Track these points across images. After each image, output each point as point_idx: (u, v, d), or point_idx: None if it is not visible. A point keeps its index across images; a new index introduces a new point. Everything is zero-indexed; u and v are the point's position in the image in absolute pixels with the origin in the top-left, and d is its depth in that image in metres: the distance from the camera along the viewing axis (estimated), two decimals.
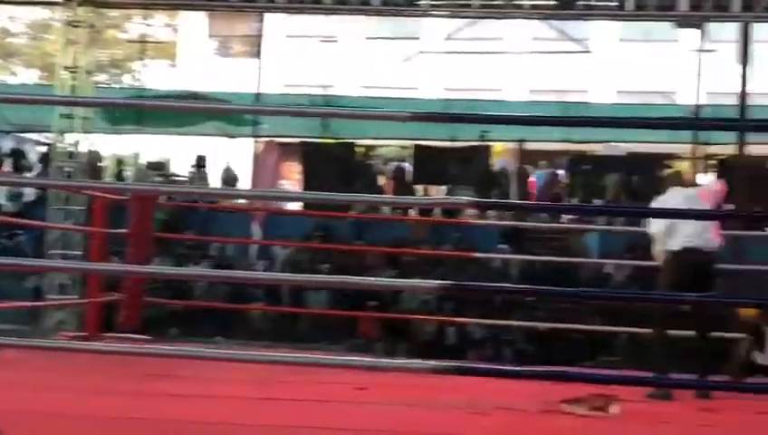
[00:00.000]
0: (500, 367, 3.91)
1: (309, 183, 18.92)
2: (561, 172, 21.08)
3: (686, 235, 5.99)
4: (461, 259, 16.33)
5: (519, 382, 4.79)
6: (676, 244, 6.05)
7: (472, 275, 15.96)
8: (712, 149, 21.09)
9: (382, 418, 4.17)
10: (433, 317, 14.10)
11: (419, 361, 4.71)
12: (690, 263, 5.93)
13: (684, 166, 21.78)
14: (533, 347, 14.62)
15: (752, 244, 13.58)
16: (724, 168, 18.44)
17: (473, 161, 19.54)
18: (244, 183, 20.18)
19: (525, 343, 14.69)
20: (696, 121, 14.55)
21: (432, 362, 3.64)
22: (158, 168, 20.83)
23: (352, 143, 20.62)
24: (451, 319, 13.67)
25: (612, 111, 20.82)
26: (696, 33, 17.76)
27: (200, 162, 19.85)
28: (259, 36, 19.15)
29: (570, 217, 19.64)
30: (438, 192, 19.94)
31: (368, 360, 4.10)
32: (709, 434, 4.30)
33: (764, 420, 4.80)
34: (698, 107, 17.87)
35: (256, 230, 17.14)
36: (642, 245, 15.89)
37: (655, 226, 6.23)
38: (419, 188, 19.99)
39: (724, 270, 14.58)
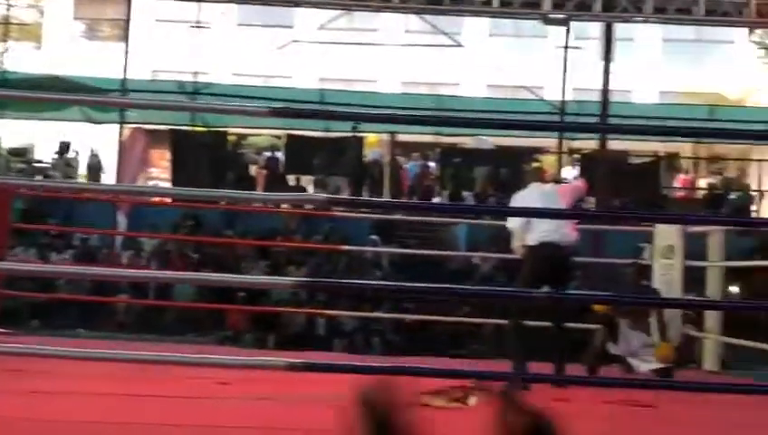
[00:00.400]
0: (350, 363, 3.93)
1: (178, 172, 18.58)
2: (432, 164, 21.38)
3: (543, 230, 6.18)
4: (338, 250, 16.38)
5: (380, 375, 4.85)
6: (532, 239, 6.23)
7: (344, 265, 16.05)
8: (576, 144, 21.80)
9: (243, 414, 4.15)
10: (301, 310, 14.07)
11: (270, 358, 4.70)
12: (547, 257, 6.11)
13: (549, 160, 22.43)
14: (402, 338, 14.79)
15: (610, 238, 14.13)
16: (587, 162, 19.09)
17: (346, 152, 19.60)
18: (110, 170, 19.65)
19: (394, 334, 14.85)
20: (553, 123, 14.95)
21: (283, 360, 3.65)
22: (21, 154, 20.09)
23: (224, 132, 20.36)
24: (319, 311, 13.69)
25: (483, 104, 21.20)
26: (562, 30, 18.26)
27: (64, 149, 19.24)
28: (127, 20, 18.66)
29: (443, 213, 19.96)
30: (310, 181, 19.91)
31: (217, 357, 4.06)
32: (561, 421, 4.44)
33: (611, 409, 4.98)
34: (564, 102, 18.38)
35: (122, 220, 16.74)
36: (506, 237, 16.42)
37: (512, 221, 6.40)
38: (292, 177, 19.93)
39: (581, 263, 15.15)
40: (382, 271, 16.39)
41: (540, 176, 6.62)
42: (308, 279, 4.65)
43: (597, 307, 6.96)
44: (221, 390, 4.85)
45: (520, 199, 6.43)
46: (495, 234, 17.43)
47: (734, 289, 14.41)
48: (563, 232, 6.17)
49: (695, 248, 9.05)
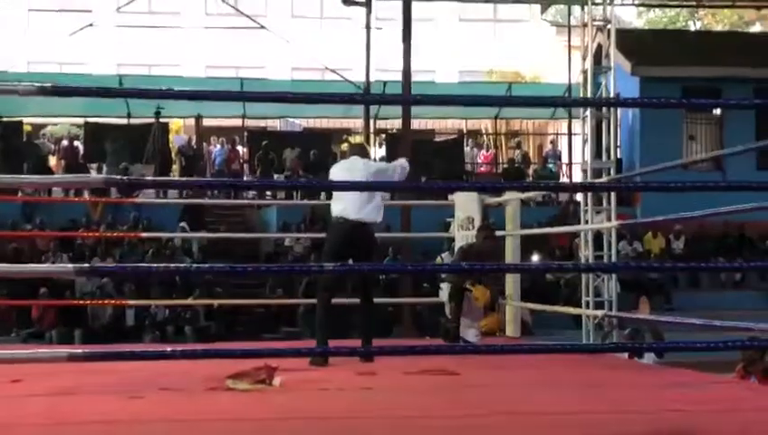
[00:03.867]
0: (133, 350, 3.82)
1: None
2: (240, 148, 21.17)
3: (345, 206, 6.21)
4: (141, 238, 15.95)
5: (189, 361, 4.76)
6: (334, 213, 6.28)
7: (152, 254, 15.66)
8: (382, 125, 22.12)
9: (32, 409, 3.96)
10: (109, 301, 13.62)
11: (45, 350, 4.50)
12: (346, 232, 6.15)
13: (357, 141, 22.64)
14: (216, 324, 14.62)
15: (418, 213, 14.45)
16: (393, 141, 19.42)
17: (148, 138, 19.10)
18: None
19: (207, 321, 14.66)
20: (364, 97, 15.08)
21: (65, 351, 3.51)
22: None
23: (19, 121, 19.42)
24: (124, 302, 13.28)
25: (290, 86, 21.16)
26: (363, 11, 18.42)
27: None
28: None
29: (252, 193, 19.86)
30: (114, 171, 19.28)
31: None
32: (360, 394, 4.50)
33: (410, 379, 5.09)
34: (368, 83, 18.59)
35: None
36: (320, 216, 16.51)
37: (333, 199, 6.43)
38: (94, 167, 19.24)
39: (393, 239, 15.34)
40: (193, 258, 16.13)
41: (363, 150, 6.61)
42: (87, 265, 4.49)
43: (470, 284, 7.10)
44: (12, 387, 4.61)
45: (334, 173, 6.45)
46: (307, 215, 17.63)
47: (535, 257, 15.06)
48: (368, 209, 6.20)
49: (496, 220, 9.41)
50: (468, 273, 6.91)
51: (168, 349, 3.56)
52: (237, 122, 21.76)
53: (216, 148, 20.84)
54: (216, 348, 3.84)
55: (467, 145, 22.42)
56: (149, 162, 18.80)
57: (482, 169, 22.49)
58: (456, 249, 8.07)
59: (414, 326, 13.78)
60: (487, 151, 22.73)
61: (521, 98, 17.02)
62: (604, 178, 8.85)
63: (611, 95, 10.47)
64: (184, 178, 10.22)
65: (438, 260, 10.93)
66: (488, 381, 5.17)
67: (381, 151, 20.73)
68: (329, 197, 6.53)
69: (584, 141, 10.16)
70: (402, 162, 6.51)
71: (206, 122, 21.68)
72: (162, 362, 4.82)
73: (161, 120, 19.47)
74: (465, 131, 23.90)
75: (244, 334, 13.99)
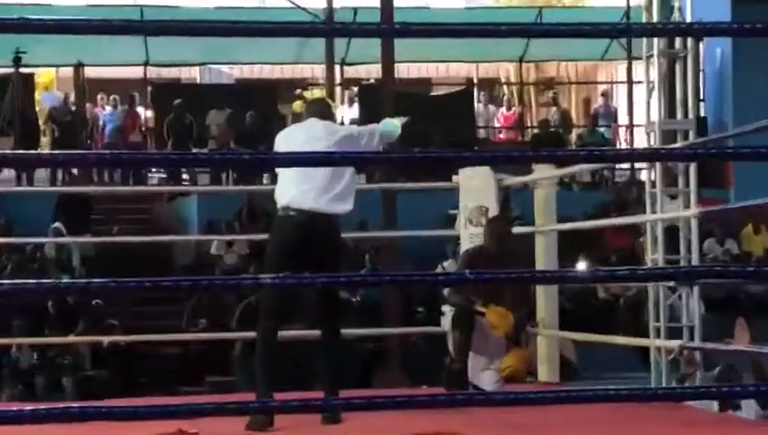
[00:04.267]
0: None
1: None
2: (142, 110, 21.13)
3: (298, 191, 6.20)
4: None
5: (64, 427, 4.75)
6: (281, 202, 6.27)
7: (12, 268, 15.64)
8: (353, 72, 22.11)
9: None
10: None
11: None
12: (300, 229, 6.16)
13: (317, 95, 22.63)
14: (108, 372, 14.62)
15: (409, 203, 14.46)
16: (370, 95, 19.42)
17: (3, 96, 19.03)
18: None
19: (95, 368, 14.64)
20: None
21: None
22: None
23: None
24: None
25: (216, 16, 21.15)
26: None
27: None
28: None
29: (160, 177, 19.85)
30: None
31: None
32: None
33: None
34: (331, 10, 18.66)
35: None
36: (262, 210, 16.50)
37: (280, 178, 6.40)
38: None
39: (373, 239, 15.39)
40: (72, 273, 16.10)
41: (324, 110, 6.59)
42: None
43: (481, 306, 7.13)
44: None
45: (282, 143, 6.48)
46: (242, 208, 17.62)
47: (581, 264, 15.11)
48: (332, 195, 6.20)
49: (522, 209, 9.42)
50: (477, 287, 6.92)
51: (29, 408, 3.53)
52: (137, 72, 21.67)
53: (105, 110, 20.78)
54: (105, 405, 3.80)
55: (479, 100, 22.47)
56: (4, 132, 18.72)
57: (501, 135, 22.51)
58: (460, 255, 8.09)
59: (404, 370, 13.81)
60: (509, 110, 22.78)
61: (556, 27, 17.06)
62: (679, 144, 8.89)
63: (688, 19, 10.49)
64: (58, 152, 10.11)
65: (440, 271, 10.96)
66: None
67: (352, 112, 20.74)
68: (274, 181, 6.53)
69: (649, 92, 10.19)
70: (385, 126, 6.51)
71: (91, 73, 21.61)
72: (21, 429, 4.79)
73: (22, 69, 19.38)
74: (475, 81, 23.94)
75: (150, 387, 13.91)
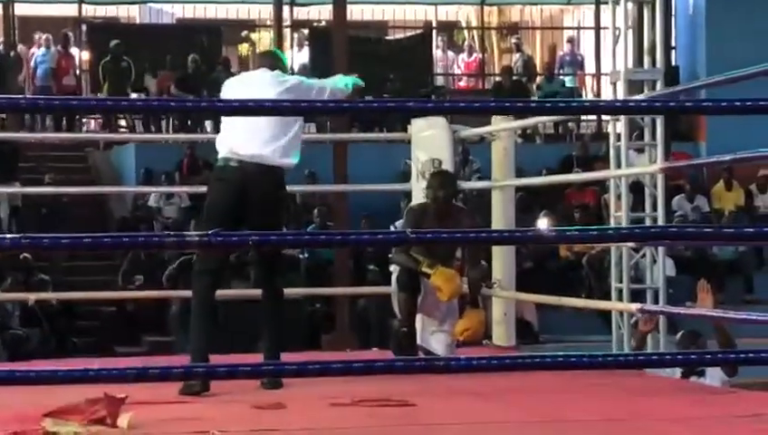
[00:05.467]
0: None
1: None
2: (77, 52, 20.96)
3: (239, 141, 6.18)
4: None
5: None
6: (224, 150, 6.27)
7: None
8: (303, 13, 21.99)
9: None
10: None
11: None
12: (240, 181, 6.16)
13: (264, 38, 22.56)
14: (40, 332, 14.61)
15: (361, 155, 14.45)
16: (321, 39, 19.34)
17: None
18: None
19: (25, 326, 14.61)
20: None
21: None
22: None
23: None
24: None
25: None
26: None
27: None
28: None
29: (96, 123, 19.73)
30: None
31: None
32: None
33: (337, 415, 5.20)
34: None
35: None
36: (204, 161, 16.43)
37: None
38: None
39: (324, 195, 15.36)
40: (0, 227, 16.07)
41: (274, 61, 6.60)
42: None
43: (427, 267, 7.11)
44: None
45: (228, 91, 6.49)
46: (183, 158, 17.54)
47: (542, 222, 15.15)
48: (275, 145, 6.19)
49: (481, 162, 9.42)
50: (419, 245, 6.89)
51: None
52: (71, 10, 21.48)
53: (38, 51, 20.58)
54: (31, 369, 3.79)
55: (438, 46, 22.43)
56: None
57: (461, 82, 22.49)
58: (405, 212, 8.07)
59: (354, 331, 13.82)
60: (470, 57, 22.76)
61: None
62: (645, 94, 8.89)
63: None
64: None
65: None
66: (458, 416, 5.20)
67: (302, 56, 20.66)
68: (218, 130, 6.55)
69: (616, 39, 10.20)
70: (336, 83, 6.51)
71: (21, 10, 21.43)
72: None
73: None
74: (434, 24, 23.87)
75: (85, 348, 13.89)
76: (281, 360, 6.08)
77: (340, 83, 6.55)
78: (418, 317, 7.44)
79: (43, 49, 20.36)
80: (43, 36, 20.44)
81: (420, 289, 7.28)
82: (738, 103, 3.89)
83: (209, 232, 3.67)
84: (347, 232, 4.84)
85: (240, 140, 6.21)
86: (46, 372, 3.82)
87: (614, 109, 6.85)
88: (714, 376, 7.55)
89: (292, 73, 11.91)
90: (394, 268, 7.49)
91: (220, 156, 6.32)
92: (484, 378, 5.56)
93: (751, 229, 6.10)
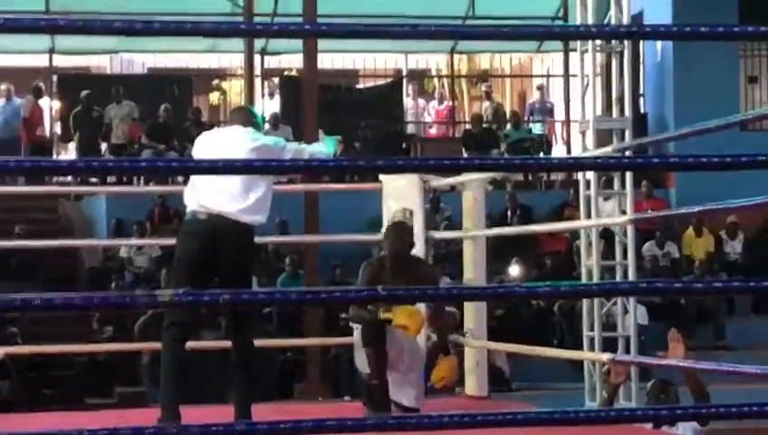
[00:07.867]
0: None
1: None
2: (47, 102, 20.90)
3: (210, 194, 6.16)
4: None
5: None
6: (192, 205, 6.27)
7: None
8: (275, 62, 22.00)
9: None
10: None
11: None
12: (208, 234, 6.14)
13: (235, 87, 22.56)
14: (10, 385, 14.52)
15: (333, 206, 14.41)
16: (292, 87, 19.36)
17: None
18: None
19: None
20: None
21: None
22: None
23: None
24: None
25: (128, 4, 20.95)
26: None
27: None
28: None
29: (66, 176, 19.58)
30: None
31: None
32: None
33: None
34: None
35: None
36: (175, 211, 16.38)
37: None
38: None
39: (296, 245, 15.26)
40: None
41: (247, 117, 6.59)
42: None
43: (385, 312, 7.04)
44: None
45: (200, 148, 6.51)
46: (154, 208, 17.47)
47: (515, 270, 15.14)
48: (245, 205, 6.17)
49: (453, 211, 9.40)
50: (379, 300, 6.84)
51: None
52: (42, 60, 21.41)
53: (6, 101, 20.42)
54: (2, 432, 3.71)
55: (408, 94, 22.43)
56: None
57: (432, 130, 22.50)
58: (361, 267, 7.92)
59: (326, 380, 13.77)
60: (440, 104, 22.78)
61: (486, 29, 17.04)
62: (613, 147, 8.87)
63: (625, 18, 10.44)
64: None
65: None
66: None
67: (273, 105, 20.64)
68: (187, 181, 6.55)
69: (584, 87, 10.23)
70: (318, 147, 6.53)
71: None
72: None
73: None
74: (404, 73, 23.91)
75: (56, 399, 13.75)
76: (251, 411, 6.05)
77: (322, 148, 6.55)
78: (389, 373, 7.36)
79: (2, 100, 19.97)
80: (3, 87, 20.07)
81: (386, 340, 7.19)
82: (705, 160, 3.88)
83: (179, 291, 3.63)
84: (317, 290, 4.77)
85: (208, 194, 6.20)
86: None
87: (581, 166, 6.85)
88: (686, 426, 7.52)
89: (263, 122, 11.91)
90: (355, 326, 7.42)
91: (188, 209, 6.32)
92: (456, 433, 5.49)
93: (719, 283, 6.10)
